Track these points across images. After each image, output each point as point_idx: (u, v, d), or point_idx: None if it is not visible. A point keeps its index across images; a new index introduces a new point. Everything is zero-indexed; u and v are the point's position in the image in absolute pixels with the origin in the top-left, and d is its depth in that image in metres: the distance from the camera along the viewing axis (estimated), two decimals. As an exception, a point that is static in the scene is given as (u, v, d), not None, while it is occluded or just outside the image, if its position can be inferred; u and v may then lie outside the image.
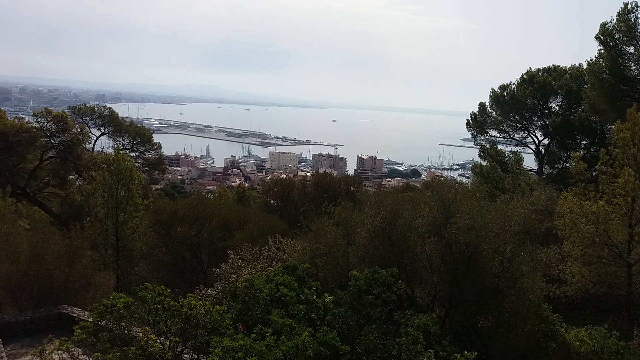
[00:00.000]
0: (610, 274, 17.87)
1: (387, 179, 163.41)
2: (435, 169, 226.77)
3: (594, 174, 28.52)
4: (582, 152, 34.20)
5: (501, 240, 15.47)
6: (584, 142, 37.86)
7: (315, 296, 13.31)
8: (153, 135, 48.79)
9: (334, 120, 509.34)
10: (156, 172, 47.87)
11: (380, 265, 14.83)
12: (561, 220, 18.99)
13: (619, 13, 27.31)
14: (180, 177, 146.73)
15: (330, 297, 13.25)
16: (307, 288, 13.71)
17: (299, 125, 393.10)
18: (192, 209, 26.82)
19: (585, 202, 18.43)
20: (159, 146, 47.11)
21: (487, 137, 42.78)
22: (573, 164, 26.06)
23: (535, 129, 40.93)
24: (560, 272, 18.99)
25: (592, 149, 35.97)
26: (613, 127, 34.69)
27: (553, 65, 39.99)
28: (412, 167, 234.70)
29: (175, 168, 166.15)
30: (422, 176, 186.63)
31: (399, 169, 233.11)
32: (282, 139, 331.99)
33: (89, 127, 42.72)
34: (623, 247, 17.47)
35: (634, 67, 27.31)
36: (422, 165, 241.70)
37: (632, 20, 26.73)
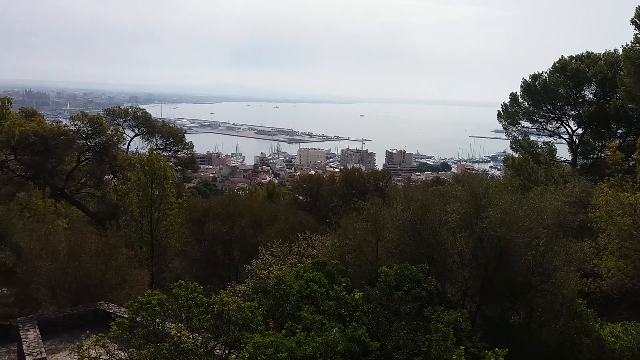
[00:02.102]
0: (648, 267, 17.31)
1: (417, 173, 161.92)
2: (466, 161, 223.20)
3: (631, 163, 27.60)
4: (618, 142, 33.18)
5: (534, 234, 15.16)
6: (620, 130, 36.68)
7: (344, 292, 13.36)
8: (185, 134, 49.68)
9: (361, 115, 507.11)
10: (189, 170, 48.73)
11: (410, 261, 14.75)
12: (596, 213, 18.51)
13: (656, -5, 26.27)
14: (212, 175, 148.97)
15: (360, 293, 13.29)
16: (336, 284, 13.76)
17: (327, 121, 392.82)
18: (224, 207, 27.32)
19: (622, 194, 17.91)
20: (191, 145, 47.93)
21: (518, 128, 41.90)
22: (609, 153, 25.33)
23: (569, 118, 39.85)
24: (595, 266, 18.47)
25: (628, 138, 34.84)
26: (652, 114, 33.59)
27: (587, 52, 38.79)
28: (442, 161, 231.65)
29: (207, 166, 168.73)
30: (452, 169, 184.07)
31: (428, 162, 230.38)
32: (311, 135, 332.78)
33: (123, 129, 43.78)
34: (662, 240, 16.89)
35: (672, 51, 26.22)
36: (452, 158, 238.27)
37: None
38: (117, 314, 15.37)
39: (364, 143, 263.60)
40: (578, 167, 37.63)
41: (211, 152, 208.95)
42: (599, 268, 18.27)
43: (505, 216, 15.29)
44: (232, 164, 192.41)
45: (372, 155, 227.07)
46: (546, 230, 15.46)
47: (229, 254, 25.12)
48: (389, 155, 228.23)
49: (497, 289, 15.12)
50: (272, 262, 18.66)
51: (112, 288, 18.54)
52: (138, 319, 11.73)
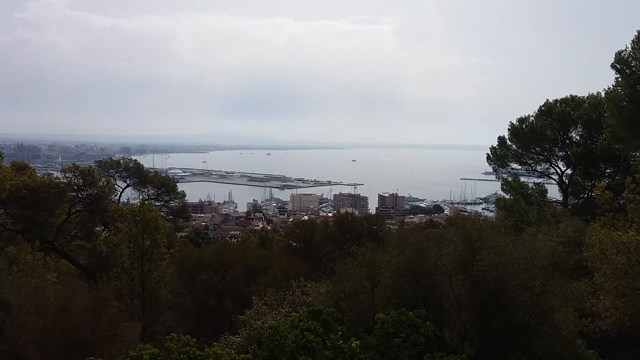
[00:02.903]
0: (645, 305, 17.13)
1: (410, 216, 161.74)
2: (458, 203, 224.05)
3: (621, 202, 27.86)
4: (607, 181, 33.54)
5: (529, 275, 15.12)
6: (608, 170, 37.17)
7: (341, 341, 13.11)
8: (177, 184, 49.63)
9: (353, 160, 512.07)
10: (180, 220, 48.38)
11: (406, 306, 14.58)
12: (591, 252, 18.45)
13: (633, 41, 27.28)
14: (204, 223, 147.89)
15: (357, 342, 13.05)
16: (332, 333, 13.53)
17: (319, 167, 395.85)
18: (215, 256, 27.01)
19: (614, 233, 17.92)
20: (183, 195, 47.83)
21: (508, 170, 42.37)
22: (599, 193, 25.55)
23: (557, 159, 40.43)
24: (593, 305, 18.25)
25: (617, 177, 35.27)
26: (637, 154, 34.20)
27: (570, 95, 39.86)
28: (434, 203, 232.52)
29: (199, 215, 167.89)
30: (445, 211, 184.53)
31: (421, 205, 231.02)
32: (303, 180, 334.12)
33: (115, 180, 43.71)
34: (658, 277, 16.81)
35: (653, 94, 27.05)
36: (444, 201, 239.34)
37: None
38: (107, 370, 14.86)
39: (355, 187, 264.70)
40: (569, 206, 37.88)
41: (203, 201, 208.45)
42: (597, 307, 18.07)
43: (500, 258, 15.27)
44: (224, 212, 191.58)
45: (365, 199, 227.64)
46: (541, 271, 15.42)
47: (222, 304, 24.63)
48: (382, 198, 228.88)
49: (495, 332, 14.89)
50: (266, 312, 18.31)
51: (102, 343, 17.99)
52: (129, 375, 11.39)
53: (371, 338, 13.12)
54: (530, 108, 39.35)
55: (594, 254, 18.20)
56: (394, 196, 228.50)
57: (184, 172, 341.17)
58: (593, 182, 36.89)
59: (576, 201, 38.95)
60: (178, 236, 48.44)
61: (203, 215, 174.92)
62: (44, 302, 18.24)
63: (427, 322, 13.68)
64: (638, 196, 18.53)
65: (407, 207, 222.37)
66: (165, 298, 24.43)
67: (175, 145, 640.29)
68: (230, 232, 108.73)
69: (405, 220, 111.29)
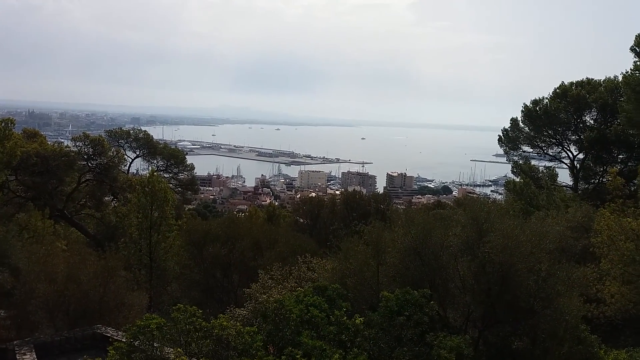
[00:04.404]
0: (651, 293, 17.12)
1: (418, 196, 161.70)
2: (467, 185, 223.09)
3: (632, 188, 27.57)
4: (619, 167, 33.20)
5: (536, 259, 15.05)
6: (621, 156, 36.76)
7: (345, 317, 13.22)
8: (186, 156, 49.76)
9: (363, 138, 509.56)
10: (189, 192, 48.67)
11: (411, 286, 14.63)
12: (598, 238, 18.40)
13: (654, 22, 26.62)
14: (213, 196, 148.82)
15: (361, 319, 13.15)
16: (337, 309, 13.63)
17: (328, 144, 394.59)
18: (223, 229, 27.18)
19: (623, 219, 17.83)
20: (192, 167, 48.00)
21: (519, 152, 42.00)
22: (610, 179, 25.31)
23: (570, 143, 39.98)
24: (599, 291, 18.26)
25: (629, 163, 34.88)
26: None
27: (587, 78, 39.17)
28: (442, 184, 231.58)
29: (207, 188, 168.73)
30: (453, 193, 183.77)
31: (429, 185, 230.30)
32: (311, 157, 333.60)
33: (125, 150, 43.91)
34: (666, 266, 16.74)
35: (671, 78, 26.44)
36: (453, 182, 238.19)
37: None
38: (115, 337, 15.13)
39: (363, 165, 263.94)
40: (579, 191, 37.58)
41: (212, 174, 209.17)
42: (602, 294, 18.07)
43: (507, 241, 15.20)
44: (233, 186, 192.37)
45: (373, 177, 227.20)
46: (548, 255, 15.35)
47: (229, 277, 24.91)
48: (390, 178, 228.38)
49: (499, 314, 14.95)
50: (272, 286, 18.49)
51: (110, 311, 18.33)
52: (136, 344, 11.58)
53: (375, 315, 13.23)
54: (547, 90, 38.62)
55: (602, 240, 18.15)
56: (403, 176, 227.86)
57: (193, 145, 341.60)
58: (605, 167, 36.49)
59: (586, 186, 38.63)
60: (186, 208, 48.77)
61: (211, 188, 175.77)
62: (53, 269, 18.56)
63: (432, 302, 13.74)
64: (650, 183, 18.28)
65: (416, 187, 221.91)
66: (173, 269, 24.76)
67: (184, 117, 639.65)
68: (237, 207, 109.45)
69: (413, 201, 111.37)
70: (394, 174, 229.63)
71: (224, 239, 25.69)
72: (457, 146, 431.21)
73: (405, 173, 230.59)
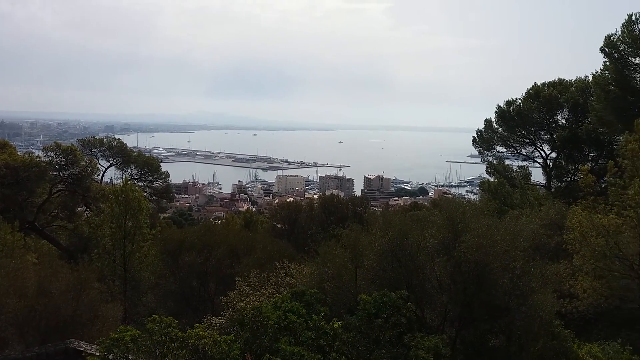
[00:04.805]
0: (622, 287, 17.61)
1: (395, 198, 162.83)
2: (443, 186, 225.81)
3: (603, 186, 28.27)
4: (590, 165, 33.99)
5: (510, 257, 15.27)
6: (592, 154, 37.69)
7: (323, 322, 13.15)
8: (161, 164, 49.17)
9: (340, 142, 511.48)
10: (164, 200, 48.09)
11: (389, 288, 14.66)
12: (571, 235, 18.78)
13: (623, 25, 27.35)
14: (188, 204, 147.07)
15: (339, 323, 13.10)
16: (315, 314, 13.55)
17: (305, 148, 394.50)
18: (199, 237, 26.87)
19: (594, 215, 18.24)
20: (167, 175, 47.46)
21: (493, 153, 42.71)
22: (581, 176, 25.89)
23: (543, 143, 40.83)
24: (572, 287, 18.67)
25: (600, 161, 35.74)
26: (621, 138, 34.62)
27: (558, 78, 40.09)
28: (419, 186, 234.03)
29: (183, 196, 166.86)
30: (429, 194, 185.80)
31: (406, 187, 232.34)
32: (289, 162, 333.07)
33: (98, 159, 43.13)
34: (635, 260, 17.19)
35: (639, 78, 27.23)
36: (429, 183, 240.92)
37: (637, 32, 26.76)
38: (89, 351, 14.74)
39: (341, 169, 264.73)
40: (552, 190, 38.39)
41: (187, 181, 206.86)
42: (575, 289, 18.46)
43: (482, 240, 15.38)
44: (209, 193, 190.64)
45: (351, 181, 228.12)
46: (522, 253, 15.58)
47: (205, 285, 24.59)
48: (367, 180, 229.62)
49: (476, 313, 15.10)
50: (250, 293, 18.31)
51: (83, 324, 17.84)
52: (110, 357, 11.31)
53: (353, 319, 13.20)
54: (521, 91, 39.34)
55: (574, 237, 18.53)
56: (380, 178, 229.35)
57: (168, 152, 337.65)
58: (576, 165, 37.35)
59: (559, 184, 39.49)
60: (161, 217, 48.10)
61: (187, 196, 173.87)
62: (23, 284, 18.00)
63: (409, 303, 13.77)
64: (619, 180, 18.75)
65: (393, 189, 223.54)
66: (147, 279, 24.30)
67: (159, 125, 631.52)
68: (214, 214, 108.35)
69: (390, 203, 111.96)
70: (371, 177, 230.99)
71: (200, 247, 25.38)
72: (434, 148, 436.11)
73: (382, 176, 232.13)
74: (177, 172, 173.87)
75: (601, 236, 17.56)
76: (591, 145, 37.06)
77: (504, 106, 40.61)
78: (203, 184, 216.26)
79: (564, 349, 14.52)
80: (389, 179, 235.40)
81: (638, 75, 27.46)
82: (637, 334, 17.09)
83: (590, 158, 37.58)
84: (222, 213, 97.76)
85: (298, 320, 13.19)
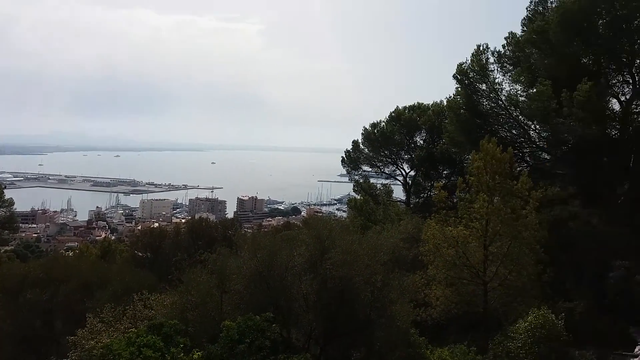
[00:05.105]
0: (469, 293, 19.16)
1: (268, 219, 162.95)
2: (315, 205, 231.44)
3: (454, 201, 30.78)
4: (443, 181, 36.89)
5: (372, 270, 15.74)
6: (445, 172, 40.99)
7: (182, 354, 12.21)
8: (5, 190, 43.69)
9: (213, 163, 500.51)
10: (6, 232, 42.48)
11: (256, 311, 14.20)
12: (426, 246, 19.99)
13: (472, 54, 30.10)
14: (36, 234, 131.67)
15: (199, 353, 12.27)
16: (173, 346, 12.54)
17: (175, 170, 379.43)
18: (45, 271, 23.93)
19: (446, 228, 19.58)
20: (11, 202, 42.33)
21: (360, 172, 44.67)
22: (435, 192, 27.92)
23: (403, 162, 43.55)
24: (426, 295, 19.87)
25: (452, 178, 38.89)
26: (469, 157, 38.16)
27: (417, 102, 43.34)
28: (292, 205, 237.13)
29: (30, 225, 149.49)
30: (302, 213, 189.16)
31: (279, 207, 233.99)
32: (155, 185, 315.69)
33: None
34: (480, 267, 18.79)
35: (486, 103, 29.92)
36: (302, 203, 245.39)
37: (484, 60, 29.61)
38: None
39: (212, 191, 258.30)
40: (411, 205, 41.06)
41: (37, 209, 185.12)
42: (429, 297, 19.65)
43: (346, 256, 15.67)
44: (62, 221, 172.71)
45: (223, 203, 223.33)
46: (383, 267, 16.18)
47: (49, 325, 21.70)
48: (241, 202, 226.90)
49: (339, 328, 15.29)
50: (102, 330, 16.46)
51: None
52: None
53: (214, 347, 12.45)
54: (384, 113, 41.85)
55: (429, 248, 19.75)
56: (253, 199, 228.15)
57: (14, 177, 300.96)
58: (432, 182, 40.35)
59: (417, 200, 42.35)
60: (2, 251, 42.29)
61: (35, 225, 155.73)
62: None
63: (274, 325, 13.43)
64: (467, 195, 20.35)
65: (267, 209, 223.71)
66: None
67: (5, 146, 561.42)
68: (67, 244, 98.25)
69: (263, 224, 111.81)
70: (244, 198, 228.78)
71: (46, 283, 22.49)
72: (307, 168, 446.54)
73: (256, 196, 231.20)
74: (25, 199, 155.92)
75: (452, 247, 18.94)
76: (445, 164, 40.39)
77: (370, 128, 42.88)
78: (55, 212, 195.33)
79: (418, 355, 15.29)
80: (262, 200, 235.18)
81: (484, 100, 30.10)
82: (481, 334, 18.66)
83: (444, 175, 40.91)
84: (76, 243, 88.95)
85: (154, 355, 12.09)
